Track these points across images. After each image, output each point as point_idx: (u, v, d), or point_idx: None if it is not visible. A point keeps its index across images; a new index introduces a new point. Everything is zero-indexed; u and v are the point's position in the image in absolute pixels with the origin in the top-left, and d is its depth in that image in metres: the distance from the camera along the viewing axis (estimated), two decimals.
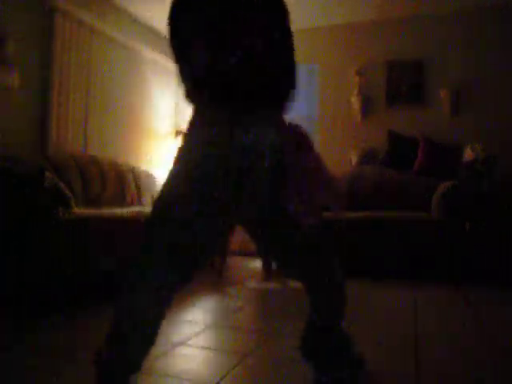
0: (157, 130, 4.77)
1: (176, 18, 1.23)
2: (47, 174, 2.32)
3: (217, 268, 3.31)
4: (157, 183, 4.17)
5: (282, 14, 1.26)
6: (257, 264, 3.93)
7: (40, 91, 3.38)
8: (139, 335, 1.18)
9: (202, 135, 1.20)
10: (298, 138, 1.24)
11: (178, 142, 4.05)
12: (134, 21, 4.43)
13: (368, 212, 3.59)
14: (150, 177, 4.14)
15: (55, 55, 3.42)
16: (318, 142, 4.69)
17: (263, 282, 3.21)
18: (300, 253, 1.34)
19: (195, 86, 1.23)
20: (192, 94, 1.25)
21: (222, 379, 1.41)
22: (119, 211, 2.97)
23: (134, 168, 4.01)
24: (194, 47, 1.19)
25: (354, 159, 4.43)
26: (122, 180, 3.73)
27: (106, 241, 2.55)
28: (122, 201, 3.65)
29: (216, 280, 3.20)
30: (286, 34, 1.26)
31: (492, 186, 3.49)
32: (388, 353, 1.69)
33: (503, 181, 3.74)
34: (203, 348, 1.76)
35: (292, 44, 1.26)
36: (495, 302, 2.58)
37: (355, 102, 4.51)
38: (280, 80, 1.24)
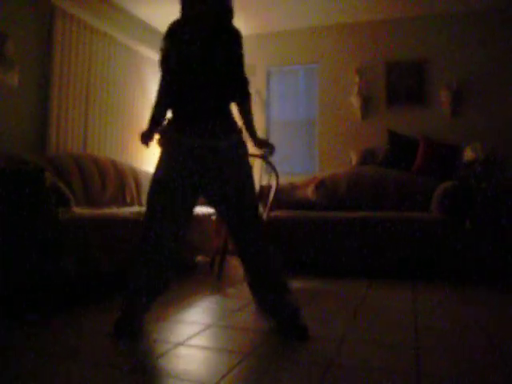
0: None
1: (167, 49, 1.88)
2: (47, 173, 2.32)
3: (216, 268, 3.31)
4: None
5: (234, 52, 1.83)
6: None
7: (40, 91, 3.38)
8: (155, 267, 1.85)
9: (172, 143, 1.87)
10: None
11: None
12: (134, 21, 4.43)
13: (368, 212, 3.59)
14: (150, 177, 4.14)
15: (55, 55, 3.43)
16: (319, 141, 4.70)
17: None
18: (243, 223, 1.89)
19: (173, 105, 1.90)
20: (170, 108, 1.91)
21: (221, 379, 1.41)
22: (119, 211, 2.97)
23: (134, 168, 4.01)
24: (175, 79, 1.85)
25: (354, 159, 4.43)
26: (121, 180, 3.73)
27: (106, 241, 2.55)
28: (122, 201, 3.65)
29: (216, 280, 3.20)
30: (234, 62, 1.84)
31: (492, 185, 3.49)
32: (388, 353, 1.69)
33: (503, 180, 3.74)
34: (203, 348, 1.76)
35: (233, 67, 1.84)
36: (495, 302, 2.58)
37: (355, 101, 4.51)
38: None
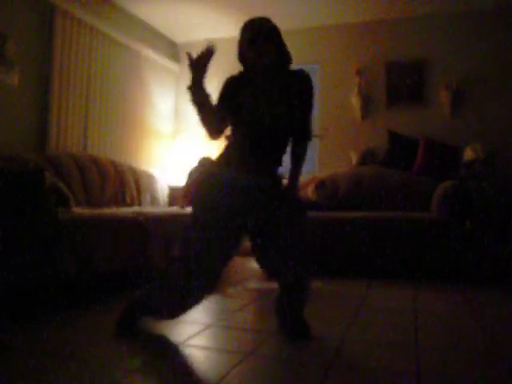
0: (157, 130, 4.77)
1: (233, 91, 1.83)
2: (47, 174, 2.32)
3: None
4: (157, 183, 4.17)
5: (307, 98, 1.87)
6: (257, 264, 3.93)
7: (40, 91, 3.38)
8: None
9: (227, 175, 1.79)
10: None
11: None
12: (134, 21, 4.43)
13: (368, 212, 3.59)
14: (150, 177, 4.14)
15: (55, 55, 3.43)
16: (319, 142, 4.70)
17: (263, 281, 3.20)
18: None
19: (241, 135, 1.82)
20: (235, 138, 1.84)
21: (222, 379, 1.41)
22: (119, 211, 2.97)
23: (133, 168, 4.01)
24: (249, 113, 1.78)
25: (354, 159, 4.43)
26: (122, 180, 3.73)
27: (106, 241, 2.55)
28: (121, 201, 3.65)
29: None
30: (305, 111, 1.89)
31: (492, 185, 3.49)
32: (388, 353, 1.69)
33: (503, 180, 3.74)
34: (203, 348, 1.76)
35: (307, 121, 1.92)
36: (495, 302, 2.58)
37: (355, 101, 4.50)
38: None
